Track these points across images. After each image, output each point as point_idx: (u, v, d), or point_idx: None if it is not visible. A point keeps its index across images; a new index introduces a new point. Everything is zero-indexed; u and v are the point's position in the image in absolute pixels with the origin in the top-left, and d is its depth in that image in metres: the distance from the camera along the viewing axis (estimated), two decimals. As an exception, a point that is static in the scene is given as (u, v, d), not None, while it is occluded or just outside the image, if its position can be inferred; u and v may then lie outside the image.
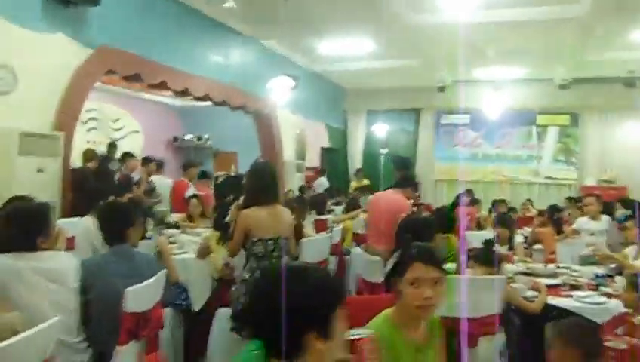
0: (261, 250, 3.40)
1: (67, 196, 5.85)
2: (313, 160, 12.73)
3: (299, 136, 11.94)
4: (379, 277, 4.11)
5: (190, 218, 5.96)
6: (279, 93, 10.11)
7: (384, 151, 14.52)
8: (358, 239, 6.61)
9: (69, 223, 4.58)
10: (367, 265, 4.64)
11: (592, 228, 6.02)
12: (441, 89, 13.33)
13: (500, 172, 13.49)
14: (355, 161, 14.80)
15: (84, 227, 4.01)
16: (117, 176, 6.41)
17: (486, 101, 13.07)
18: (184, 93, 7.95)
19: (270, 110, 10.36)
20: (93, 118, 9.53)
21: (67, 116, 5.98)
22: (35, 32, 5.56)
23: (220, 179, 9.73)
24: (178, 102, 11.45)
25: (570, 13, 7.87)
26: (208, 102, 9.45)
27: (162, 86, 7.43)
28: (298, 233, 4.35)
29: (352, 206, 7.79)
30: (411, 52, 10.63)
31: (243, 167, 10.88)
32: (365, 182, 11.60)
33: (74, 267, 2.48)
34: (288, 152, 11.30)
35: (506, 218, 5.88)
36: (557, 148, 13.24)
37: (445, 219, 4.73)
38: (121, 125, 9.94)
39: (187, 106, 11.54)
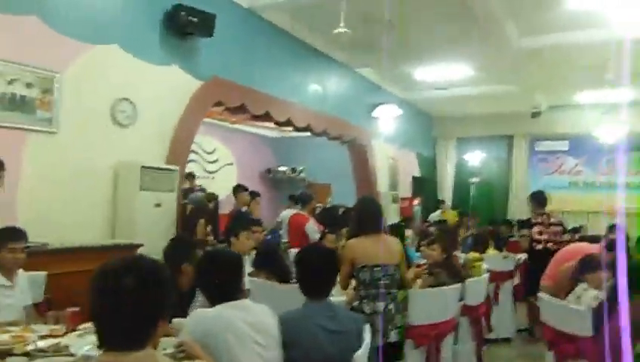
0: (367, 276, 3.34)
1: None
2: (405, 190, 12.33)
3: (391, 166, 11.61)
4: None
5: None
6: (383, 122, 9.85)
7: (475, 179, 13.92)
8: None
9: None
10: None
11: None
12: (535, 115, 12.67)
13: (608, 201, 12.44)
14: (445, 189, 14.24)
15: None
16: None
17: (586, 125, 12.24)
18: (286, 123, 7.84)
19: (366, 140, 10.13)
20: (191, 151, 9.64)
21: (180, 149, 5.97)
22: (153, 64, 5.62)
23: (317, 211, 9.55)
24: (271, 133, 11.46)
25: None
26: (302, 133, 9.37)
27: (266, 117, 7.35)
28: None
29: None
30: (510, 77, 10.13)
31: (337, 198, 10.68)
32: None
33: (275, 320, 2.19)
34: (382, 183, 10.98)
35: None
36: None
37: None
38: (217, 157, 9.99)
39: (279, 138, 11.53)
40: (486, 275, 4.51)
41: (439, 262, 4.05)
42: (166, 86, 5.81)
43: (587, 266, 3.60)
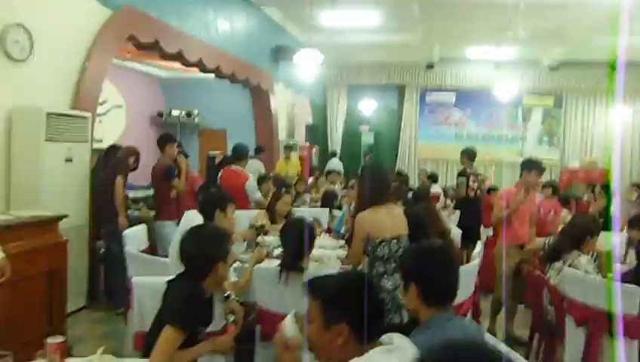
0: (386, 251, 3.06)
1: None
2: (300, 137, 11.98)
3: (289, 113, 11.16)
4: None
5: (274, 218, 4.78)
6: (284, 66, 9.25)
7: (365, 129, 14.02)
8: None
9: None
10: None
11: None
12: (429, 66, 12.98)
13: (486, 152, 13.34)
14: (335, 138, 14.18)
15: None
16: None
17: (474, 80, 12.86)
18: (197, 64, 6.97)
19: (268, 85, 9.51)
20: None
21: (89, 91, 4.95)
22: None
23: (218, 160, 8.81)
24: (161, 72, 10.23)
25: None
26: (195, 74, 8.47)
27: (178, 56, 6.44)
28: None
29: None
30: (415, 27, 10.06)
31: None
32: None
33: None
34: (281, 130, 10.51)
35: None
36: (541, 129, 13.27)
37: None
38: (105, 98, 8.64)
39: (171, 78, 10.36)
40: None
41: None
42: (69, 12, 4.70)
43: (582, 235, 3.58)
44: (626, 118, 12.38)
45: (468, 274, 3.22)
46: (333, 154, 12.54)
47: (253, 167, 8.27)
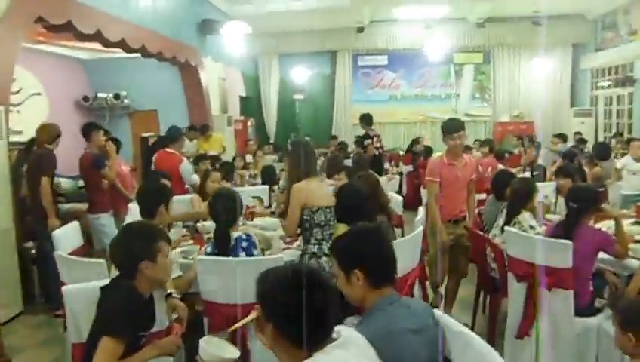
0: (322, 218, 3.22)
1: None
2: (234, 111, 11.71)
3: (221, 86, 10.85)
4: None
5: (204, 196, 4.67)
6: (212, 39, 8.93)
7: (299, 97, 13.87)
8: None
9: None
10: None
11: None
12: (360, 30, 12.91)
13: (420, 112, 13.57)
14: (270, 108, 13.98)
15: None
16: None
17: (405, 41, 12.92)
18: (119, 44, 6.58)
19: (197, 60, 9.18)
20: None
21: (1, 82, 4.57)
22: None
23: (151, 141, 8.48)
24: (83, 54, 9.62)
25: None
26: (120, 54, 8.02)
27: (97, 37, 6.05)
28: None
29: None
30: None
31: (165, 125, 9.63)
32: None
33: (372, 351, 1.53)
34: (214, 105, 10.21)
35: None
36: (473, 86, 13.57)
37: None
38: (19, 86, 8.03)
39: (94, 59, 9.75)
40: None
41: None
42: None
43: (527, 196, 3.70)
44: (548, 70, 12.85)
45: (412, 243, 3.24)
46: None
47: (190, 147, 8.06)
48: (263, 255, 3.17)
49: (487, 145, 7.42)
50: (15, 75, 8.36)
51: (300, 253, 3.29)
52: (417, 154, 9.54)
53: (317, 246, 3.16)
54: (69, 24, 5.50)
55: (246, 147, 10.04)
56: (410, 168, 9.55)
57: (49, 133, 4.80)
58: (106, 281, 2.13)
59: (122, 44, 6.65)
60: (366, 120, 8.13)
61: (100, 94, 9.80)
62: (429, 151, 8.88)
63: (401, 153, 11.21)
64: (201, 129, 8.32)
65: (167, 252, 2.14)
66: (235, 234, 3.02)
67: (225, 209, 3.07)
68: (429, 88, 13.56)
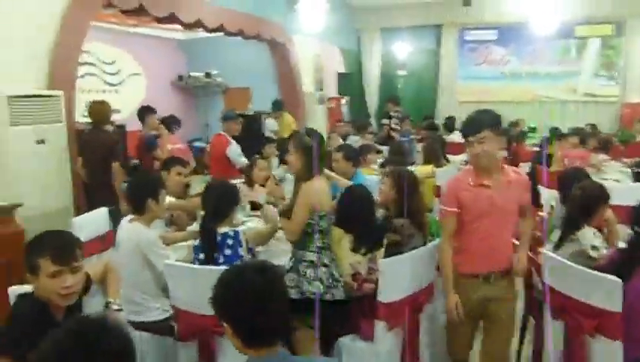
0: (326, 225, 2.93)
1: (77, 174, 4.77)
2: (331, 88, 11.49)
3: (315, 63, 10.64)
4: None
5: (250, 183, 4.56)
6: (303, 15, 8.72)
7: (402, 73, 13.29)
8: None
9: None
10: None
11: None
12: (466, 2, 11.92)
13: (531, 91, 12.33)
14: (371, 85, 13.56)
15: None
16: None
17: (517, 13, 11.69)
18: (196, 25, 6.63)
19: (286, 37, 9.05)
20: (86, 63, 8.06)
21: (64, 68, 4.75)
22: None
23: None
24: (179, 35, 9.97)
25: None
26: (217, 34, 8.12)
27: (171, 19, 6.12)
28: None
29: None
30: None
31: (257, 103, 9.74)
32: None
33: None
34: (307, 82, 10.06)
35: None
36: (598, 61, 11.99)
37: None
38: (118, 68, 8.54)
39: (190, 40, 10.08)
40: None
41: (391, 201, 3.30)
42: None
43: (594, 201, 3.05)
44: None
45: (424, 259, 2.80)
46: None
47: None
48: (253, 254, 2.94)
49: (577, 134, 6.43)
50: (115, 57, 9.00)
51: (290, 257, 2.95)
52: (512, 137, 8.65)
53: (316, 255, 2.84)
54: (140, 8, 5.60)
55: (335, 128, 9.79)
56: (504, 153, 8.68)
57: (102, 113, 4.89)
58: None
59: (199, 25, 6.69)
60: (391, 100, 9.02)
61: (192, 73, 10.10)
62: (522, 135, 7.99)
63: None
64: (273, 105, 8.10)
65: (52, 272, 1.87)
66: (222, 230, 2.83)
67: (215, 202, 2.90)
68: (543, 65, 12.23)
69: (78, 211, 4.75)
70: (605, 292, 2.36)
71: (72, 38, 4.81)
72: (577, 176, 3.61)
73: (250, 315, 1.45)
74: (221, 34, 7.80)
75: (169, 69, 10.11)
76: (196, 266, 2.73)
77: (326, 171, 3.31)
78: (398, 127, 8.00)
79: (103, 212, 3.77)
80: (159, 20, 6.19)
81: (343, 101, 11.53)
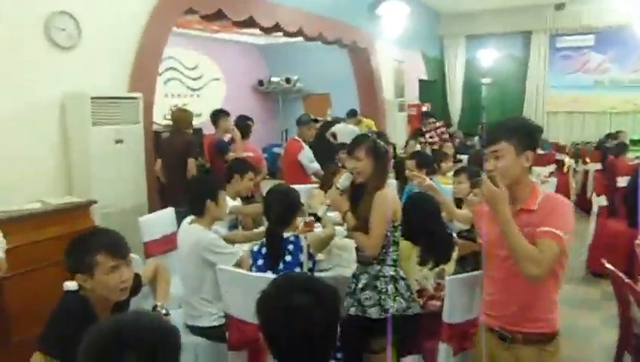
0: (399, 237, 2.69)
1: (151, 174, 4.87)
2: (412, 95, 11.20)
3: (396, 70, 10.42)
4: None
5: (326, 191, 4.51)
6: (385, 21, 8.55)
7: (487, 81, 12.73)
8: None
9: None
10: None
11: None
12: (559, 6, 11.24)
13: (634, 100, 11.36)
14: (454, 93, 13.11)
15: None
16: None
17: (617, 17, 10.81)
18: (274, 29, 6.65)
19: (367, 42, 8.90)
20: (169, 68, 8.36)
21: (145, 71, 4.88)
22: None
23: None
24: (260, 40, 10.12)
25: None
26: (294, 39, 8.13)
27: (249, 23, 6.17)
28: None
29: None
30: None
31: (338, 108, 9.65)
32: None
33: None
34: (387, 88, 9.86)
35: None
36: None
37: None
38: (200, 73, 8.78)
39: (270, 45, 10.20)
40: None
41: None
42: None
43: None
44: None
45: (462, 287, 2.47)
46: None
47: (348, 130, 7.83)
48: (314, 261, 2.78)
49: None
50: (197, 62, 9.25)
51: (357, 274, 2.71)
52: (608, 149, 7.96)
53: (394, 269, 2.63)
54: (220, 13, 5.68)
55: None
56: (598, 166, 8.01)
57: (185, 120, 5.06)
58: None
59: (278, 28, 6.70)
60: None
61: (273, 78, 10.19)
62: (621, 148, 7.33)
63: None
64: (348, 113, 7.99)
65: (110, 267, 1.85)
66: (285, 235, 2.72)
67: (278, 206, 2.78)
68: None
69: (152, 210, 4.85)
70: None
71: (153, 42, 4.93)
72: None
73: (276, 334, 1.28)
74: (301, 39, 7.81)
75: (249, 74, 10.27)
76: (246, 273, 2.62)
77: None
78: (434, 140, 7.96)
79: (169, 212, 3.79)
80: (238, 24, 6.25)
81: (424, 108, 11.18)
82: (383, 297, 2.54)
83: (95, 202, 3.84)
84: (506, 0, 10.95)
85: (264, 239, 2.80)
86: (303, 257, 2.67)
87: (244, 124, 5.44)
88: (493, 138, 2.02)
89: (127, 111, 4.54)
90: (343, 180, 2.51)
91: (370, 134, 2.83)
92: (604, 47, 11.55)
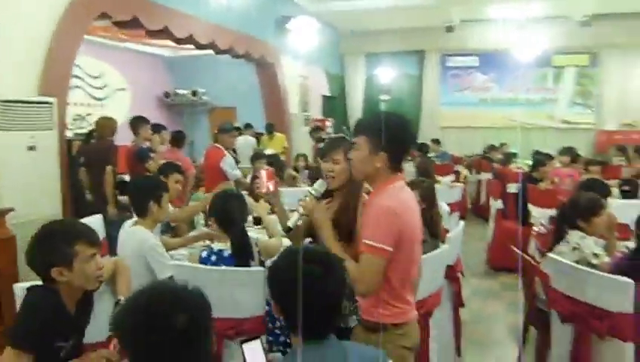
0: None
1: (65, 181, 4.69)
2: (316, 110, 11.57)
3: (302, 85, 10.73)
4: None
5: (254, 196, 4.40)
6: (291, 37, 8.82)
7: (385, 97, 13.46)
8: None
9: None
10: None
11: None
12: (449, 29, 12.23)
13: (512, 117, 12.61)
14: (354, 108, 13.71)
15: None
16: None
17: (498, 41, 12.04)
18: (187, 40, 6.64)
19: (274, 57, 9.12)
20: (72, 75, 7.94)
21: (57, 75, 4.71)
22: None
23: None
24: (167, 52, 9.98)
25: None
26: (202, 52, 8.14)
27: (164, 33, 6.13)
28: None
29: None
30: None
31: (243, 122, 9.72)
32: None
33: None
34: (292, 103, 10.12)
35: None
36: (574, 90, 12.37)
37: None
38: (105, 82, 8.47)
39: (177, 57, 10.08)
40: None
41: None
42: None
43: (586, 208, 3.10)
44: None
45: (432, 263, 2.78)
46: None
47: (246, 143, 8.00)
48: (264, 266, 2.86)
49: (568, 153, 6.60)
50: (101, 71, 8.91)
51: None
52: (493, 161, 8.85)
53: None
54: (135, 20, 5.59)
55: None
56: (489, 175, 8.83)
57: (109, 128, 4.96)
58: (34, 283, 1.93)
59: (191, 40, 6.70)
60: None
61: (179, 91, 10.07)
62: (507, 158, 8.18)
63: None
64: (266, 128, 8.24)
65: (89, 255, 1.85)
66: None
67: (240, 211, 2.77)
68: (523, 92, 12.55)
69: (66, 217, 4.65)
70: (617, 294, 2.38)
71: (65, 46, 4.77)
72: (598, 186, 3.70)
73: (292, 304, 1.34)
74: (207, 52, 7.84)
75: (155, 86, 10.06)
76: (208, 267, 2.64)
77: None
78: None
79: (97, 218, 3.69)
80: (152, 34, 6.18)
81: (328, 123, 11.60)
82: (355, 305, 2.26)
83: (11, 210, 3.64)
84: (401, 20, 11.66)
85: (227, 242, 2.73)
86: (254, 262, 2.73)
87: (179, 135, 5.44)
88: (354, 131, 2.05)
89: (40, 116, 4.36)
90: (318, 186, 2.24)
91: (346, 137, 2.67)
92: (486, 68, 12.72)
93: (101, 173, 4.76)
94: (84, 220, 3.61)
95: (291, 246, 1.74)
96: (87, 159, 5.02)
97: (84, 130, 6.54)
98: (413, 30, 12.49)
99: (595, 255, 2.99)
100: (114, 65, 8.65)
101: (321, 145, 7.80)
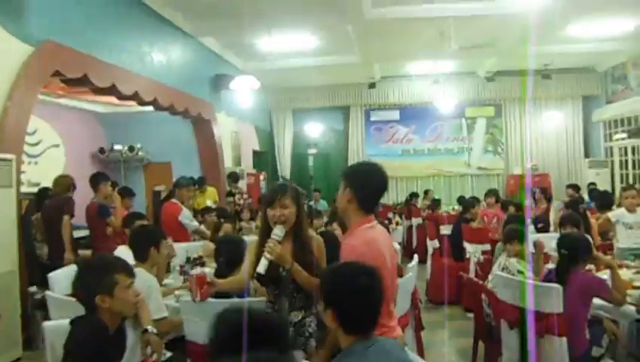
0: None
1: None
2: (247, 164, 11.92)
3: (234, 140, 11.10)
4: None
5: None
6: (225, 94, 9.25)
7: (313, 151, 14.08)
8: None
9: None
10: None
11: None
12: (372, 85, 13.19)
13: (433, 166, 13.63)
14: (284, 163, 14.20)
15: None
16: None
17: (416, 96, 13.18)
18: (133, 97, 6.85)
19: (210, 114, 9.46)
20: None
21: (13, 134, 4.77)
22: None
23: (163, 195, 8.64)
24: (101, 108, 10.01)
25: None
26: (136, 108, 8.33)
27: (112, 90, 6.32)
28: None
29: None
30: (353, 48, 10.24)
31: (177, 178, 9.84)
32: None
33: None
34: (227, 158, 10.42)
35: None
36: (485, 139, 13.65)
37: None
38: (39, 138, 8.36)
39: (111, 113, 10.12)
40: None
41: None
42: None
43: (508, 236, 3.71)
44: (560, 122, 12.97)
45: (402, 289, 3.20)
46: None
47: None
48: None
49: (493, 194, 7.40)
50: (36, 127, 8.78)
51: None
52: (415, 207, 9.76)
53: None
54: (85, 78, 5.76)
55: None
56: (419, 221, 9.53)
57: (65, 185, 5.14)
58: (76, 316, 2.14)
59: (136, 97, 6.92)
60: (231, 177, 9.22)
61: (115, 146, 10.08)
62: (436, 204, 8.99)
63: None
64: (197, 181, 8.41)
65: (128, 284, 2.14)
66: None
67: (237, 255, 3.07)
68: (441, 142, 13.66)
69: (24, 278, 4.66)
70: (548, 298, 2.90)
71: (21, 104, 4.86)
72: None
73: (356, 307, 1.73)
74: (143, 108, 8.05)
75: (89, 142, 9.99)
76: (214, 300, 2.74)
77: None
78: (240, 203, 8.80)
79: (74, 268, 3.77)
80: (99, 91, 6.35)
81: (262, 177, 11.95)
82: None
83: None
84: (326, 78, 12.46)
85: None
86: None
87: (126, 189, 5.78)
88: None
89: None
90: (278, 231, 2.42)
91: (289, 182, 3.21)
92: (407, 120, 13.73)
93: (59, 225, 4.88)
94: (63, 270, 3.75)
95: (345, 262, 2.04)
96: (45, 215, 5.19)
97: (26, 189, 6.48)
98: (337, 86, 13.37)
99: (520, 272, 3.57)
100: (47, 121, 8.58)
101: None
